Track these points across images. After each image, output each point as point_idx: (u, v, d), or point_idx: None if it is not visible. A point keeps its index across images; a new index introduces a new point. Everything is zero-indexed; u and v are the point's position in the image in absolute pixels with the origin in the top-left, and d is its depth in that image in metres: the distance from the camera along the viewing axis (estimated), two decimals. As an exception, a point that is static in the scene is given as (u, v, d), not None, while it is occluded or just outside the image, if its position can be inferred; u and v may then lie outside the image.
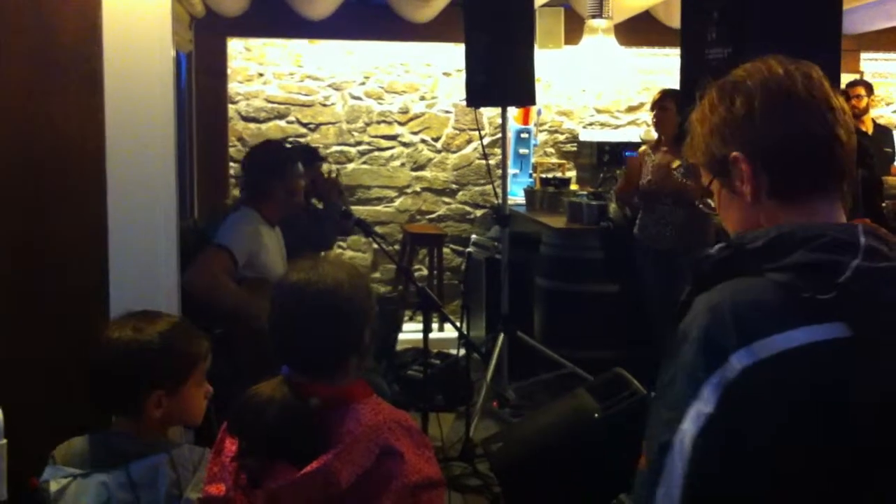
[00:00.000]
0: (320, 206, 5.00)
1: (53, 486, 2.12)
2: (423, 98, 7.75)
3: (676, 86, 5.24)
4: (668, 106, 5.27)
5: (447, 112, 7.78)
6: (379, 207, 7.78)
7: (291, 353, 2.02)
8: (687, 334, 1.23)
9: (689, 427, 1.17)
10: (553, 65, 7.52)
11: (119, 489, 2.07)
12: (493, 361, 5.31)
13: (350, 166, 7.70)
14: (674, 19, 6.53)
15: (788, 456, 1.14)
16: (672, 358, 1.25)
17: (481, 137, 6.12)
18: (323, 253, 4.73)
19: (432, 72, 7.75)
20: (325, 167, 5.63)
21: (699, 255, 1.31)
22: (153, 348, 2.15)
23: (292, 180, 4.05)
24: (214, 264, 3.66)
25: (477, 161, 7.82)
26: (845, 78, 6.76)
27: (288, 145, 5.49)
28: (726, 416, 1.15)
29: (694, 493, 1.16)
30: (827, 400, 1.14)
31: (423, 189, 7.83)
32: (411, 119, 7.75)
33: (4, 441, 2.46)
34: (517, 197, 7.25)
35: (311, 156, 5.15)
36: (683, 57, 3.17)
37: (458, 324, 4.54)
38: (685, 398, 1.18)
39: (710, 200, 1.45)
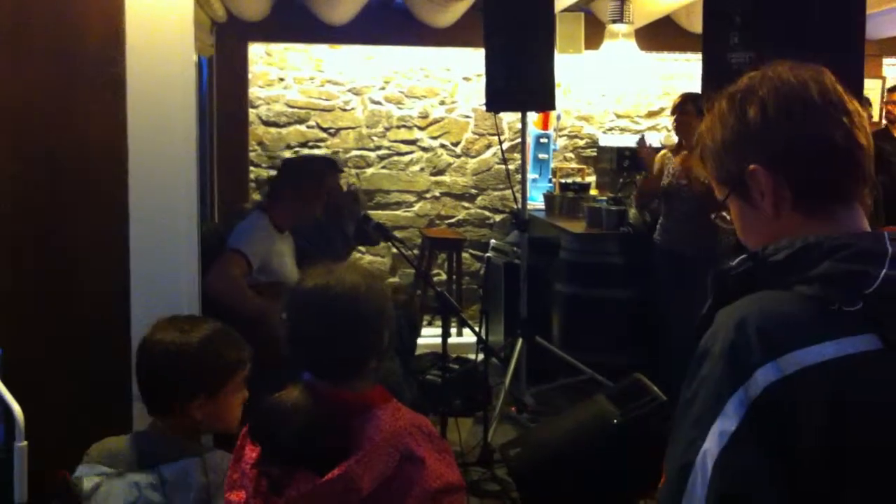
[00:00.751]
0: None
1: (86, 484, 2.15)
2: (442, 103, 7.76)
3: (697, 90, 5.25)
4: (688, 110, 5.25)
5: (467, 117, 7.78)
6: (398, 212, 7.79)
7: (310, 359, 2.01)
8: (709, 350, 1.19)
9: (711, 446, 1.12)
10: (573, 70, 7.52)
11: (149, 490, 2.10)
12: (512, 366, 5.30)
13: (369, 171, 7.71)
14: (695, 24, 6.51)
15: (815, 474, 1.09)
16: (693, 374, 1.20)
17: (501, 142, 6.11)
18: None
19: (452, 76, 7.75)
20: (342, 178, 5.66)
21: (719, 267, 1.27)
22: (193, 352, 2.19)
23: (321, 194, 4.16)
24: (232, 269, 3.68)
25: (496, 166, 7.81)
26: (867, 84, 6.71)
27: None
28: (751, 434, 1.11)
29: None
30: (858, 415, 1.10)
31: (443, 194, 7.84)
32: (431, 124, 7.76)
33: (25, 443, 2.48)
34: (536, 202, 7.24)
35: (333, 166, 5.19)
36: (705, 62, 3.15)
37: (476, 328, 4.54)
38: (708, 416, 1.14)
39: (725, 214, 1.40)
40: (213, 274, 3.60)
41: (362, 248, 7.57)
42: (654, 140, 7.73)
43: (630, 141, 7.80)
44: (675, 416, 1.22)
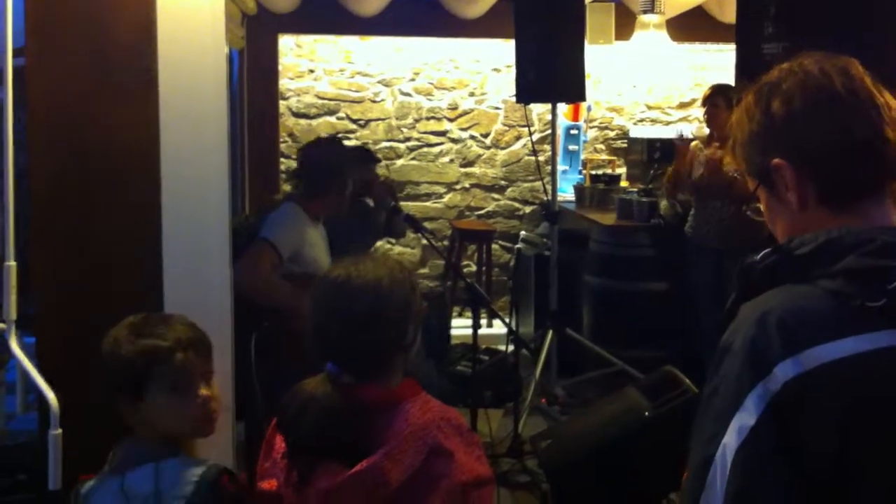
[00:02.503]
0: (371, 203, 5.05)
1: (87, 484, 2.13)
2: (472, 94, 7.75)
3: (729, 81, 5.20)
4: (718, 102, 5.22)
5: (496, 108, 7.77)
6: (428, 203, 7.79)
7: (332, 351, 2.00)
8: (730, 345, 1.19)
9: (730, 440, 1.13)
10: (603, 60, 7.48)
11: (115, 496, 2.05)
12: (542, 358, 5.30)
13: (399, 162, 7.72)
14: (727, 14, 6.45)
15: (834, 470, 1.09)
16: (715, 369, 1.21)
17: (531, 134, 6.10)
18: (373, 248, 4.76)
19: (482, 68, 7.74)
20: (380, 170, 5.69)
21: (744, 261, 1.27)
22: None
23: (349, 184, 4.11)
24: (262, 261, 3.69)
25: (526, 157, 7.79)
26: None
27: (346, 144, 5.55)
28: (770, 429, 1.11)
29: None
30: (879, 412, 1.10)
31: (472, 185, 7.83)
32: (460, 115, 7.75)
33: (59, 431, 2.51)
34: (566, 194, 7.22)
35: (367, 157, 5.23)
36: (738, 52, 3.12)
37: (506, 320, 4.53)
38: (728, 410, 1.14)
39: (758, 205, 1.40)
40: (240, 265, 3.60)
41: (391, 240, 7.59)
42: (686, 131, 7.69)
43: (661, 132, 7.75)
44: (699, 411, 1.23)
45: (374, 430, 1.90)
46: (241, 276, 3.55)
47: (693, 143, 5.63)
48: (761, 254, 1.26)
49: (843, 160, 1.24)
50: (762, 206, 1.37)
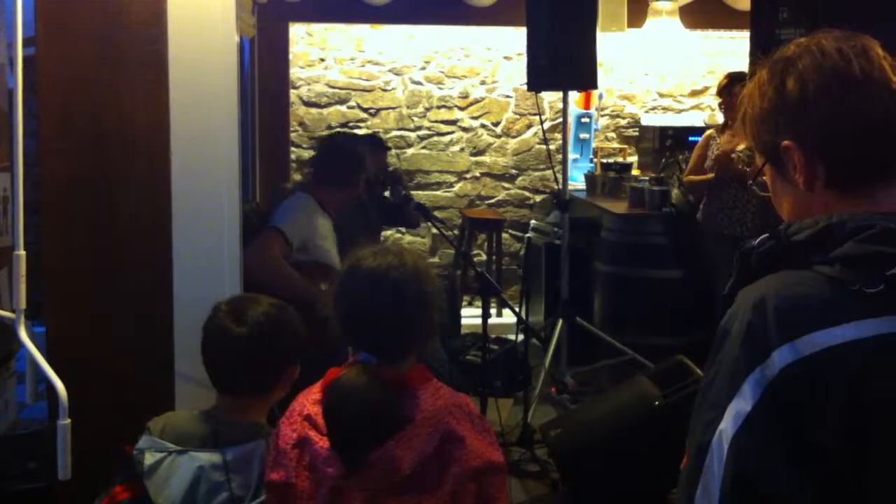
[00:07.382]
0: (387, 194, 5.07)
1: (148, 459, 2.17)
2: (483, 82, 7.71)
3: (742, 69, 5.16)
4: (735, 92, 5.17)
5: (507, 96, 7.74)
6: (438, 192, 7.78)
7: (370, 338, 2.00)
8: (728, 330, 1.19)
9: (727, 426, 1.12)
10: (615, 48, 7.44)
11: (212, 470, 2.12)
12: (552, 347, 5.29)
13: (410, 151, 7.70)
14: (740, 1, 6.41)
15: (831, 458, 1.08)
16: (713, 355, 1.21)
17: (542, 122, 6.06)
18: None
19: (493, 56, 7.70)
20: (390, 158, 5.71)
21: (742, 246, 1.26)
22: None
23: (362, 178, 4.19)
24: (270, 246, 3.71)
25: (537, 146, 7.76)
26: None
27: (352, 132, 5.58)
28: (766, 415, 1.10)
29: (732, 494, 1.11)
30: (877, 398, 1.08)
31: (483, 174, 7.80)
32: (471, 104, 7.72)
33: (68, 420, 2.50)
34: (577, 182, 7.19)
35: (378, 145, 5.23)
36: (753, 38, 3.09)
37: (517, 309, 4.52)
38: (725, 396, 1.14)
39: (765, 180, 1.38)
40: (249, 251, 3.61)
41: (402, 229, 7.58)
42: (697, 120, 7.64)
43: (673, 120, 7.71)
44: (697, 397, 1.23)
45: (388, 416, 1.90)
46: (248, 261, 3.57)
47: (707, 132, 5.60)
48: (759, 239, 1.25)
49: (854, 145, 1.22)
50: (769, 185, 1.35)
